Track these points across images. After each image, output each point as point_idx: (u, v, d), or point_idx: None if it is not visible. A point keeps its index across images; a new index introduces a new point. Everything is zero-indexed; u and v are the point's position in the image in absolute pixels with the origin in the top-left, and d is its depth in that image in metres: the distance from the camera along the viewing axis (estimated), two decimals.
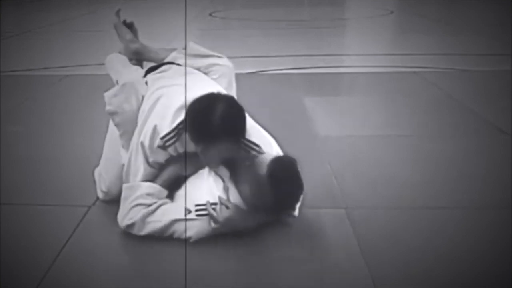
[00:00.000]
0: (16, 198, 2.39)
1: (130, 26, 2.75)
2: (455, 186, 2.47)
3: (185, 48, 2.58)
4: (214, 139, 1.92)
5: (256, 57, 5.37)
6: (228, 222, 1.94)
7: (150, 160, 2.06)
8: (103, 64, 2.58)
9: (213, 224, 1.95)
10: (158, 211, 2.00)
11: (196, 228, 1.96)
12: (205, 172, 2.06)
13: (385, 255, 1.91)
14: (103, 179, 2.33)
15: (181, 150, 2.07)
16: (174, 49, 2.65)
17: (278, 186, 1.89)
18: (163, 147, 2.04)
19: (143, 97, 2.21)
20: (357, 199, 2.35)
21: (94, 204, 2.32)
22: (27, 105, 3.97)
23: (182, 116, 2.02)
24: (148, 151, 2.05)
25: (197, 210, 1.96)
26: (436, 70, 4.96)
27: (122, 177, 2.15)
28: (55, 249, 1.95)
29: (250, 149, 2.06)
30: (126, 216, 2.01)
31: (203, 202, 1.97)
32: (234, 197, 2.00)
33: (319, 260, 1.90)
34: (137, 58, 2.70)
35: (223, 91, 2.18)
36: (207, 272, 1.83)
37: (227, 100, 1.99)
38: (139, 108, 2.20)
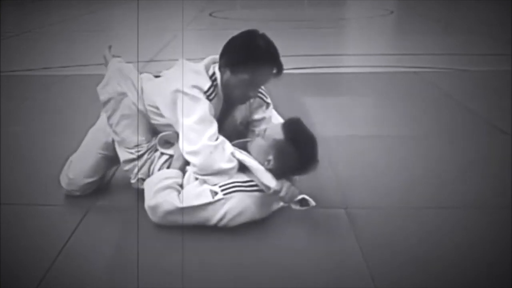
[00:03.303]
0: (16, 198, 2.40)
1: None
2: (455, 186, 2.47)
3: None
4: (264, 61, 2.09)
5: None
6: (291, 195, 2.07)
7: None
8: (103, 64, 2.58)
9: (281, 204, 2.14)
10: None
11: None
12: None
13: (385, 254, 1.91)
14: (73, 167, 2.37)
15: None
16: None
17: (299, 146, 2.06)
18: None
19: (132, 83, 2.24)
20: (357, 199, 2.35)
21: (94, 204, 2.32)
22: (27, 105, 3.97)
23: (212, 70, 2.16)
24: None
25: (223, 190, 2.02)
26: (436, 70, 4.96)
27: (89, 172, 2.32)
28: (55, 249, 1.95)
29: (264, 97, 2.33)
30: (152, 197, 2.07)
31: (224, 182, 2.03)
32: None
33: (319, 259, 1.90)
34: None
35: None
36: (204, 269, 1.83)
37: (263, 35, 2.15)
38: (131, 93, 2.22)
